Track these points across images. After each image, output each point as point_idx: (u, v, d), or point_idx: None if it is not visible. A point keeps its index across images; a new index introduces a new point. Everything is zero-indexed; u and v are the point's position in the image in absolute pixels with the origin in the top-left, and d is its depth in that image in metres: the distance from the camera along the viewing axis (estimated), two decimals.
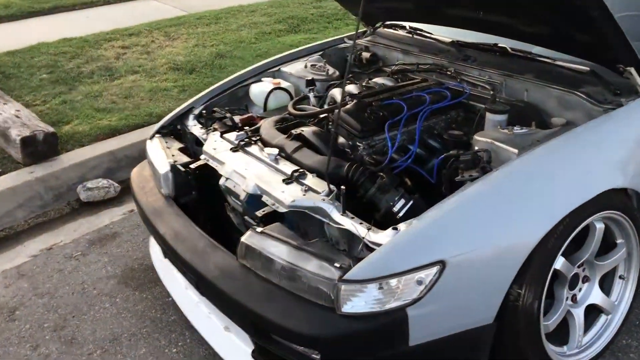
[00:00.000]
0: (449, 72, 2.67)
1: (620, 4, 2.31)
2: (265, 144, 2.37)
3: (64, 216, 3.49)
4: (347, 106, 2.37)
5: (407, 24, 3.12)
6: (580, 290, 2.10)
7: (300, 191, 2.03)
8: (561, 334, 2.08)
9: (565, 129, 2.08)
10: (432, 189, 2.13)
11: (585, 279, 2.10)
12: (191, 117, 2.79)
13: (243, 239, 1.95)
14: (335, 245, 1.94)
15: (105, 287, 2.80)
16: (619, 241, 2.11)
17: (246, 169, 2.23)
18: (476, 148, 2.06)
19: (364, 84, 2.74)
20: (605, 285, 2.18)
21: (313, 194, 2.00)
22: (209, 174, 2.38)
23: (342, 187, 1.92)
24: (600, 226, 1.99)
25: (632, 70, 2.11)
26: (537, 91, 2.36)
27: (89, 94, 4.72)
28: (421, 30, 3.03)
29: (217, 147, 2.42)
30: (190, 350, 2.38)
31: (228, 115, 2.70)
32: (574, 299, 2.08)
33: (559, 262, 1.91)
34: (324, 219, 1.94)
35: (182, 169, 2.44)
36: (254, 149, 2.36)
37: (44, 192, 3.53)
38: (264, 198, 2.09)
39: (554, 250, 1.86)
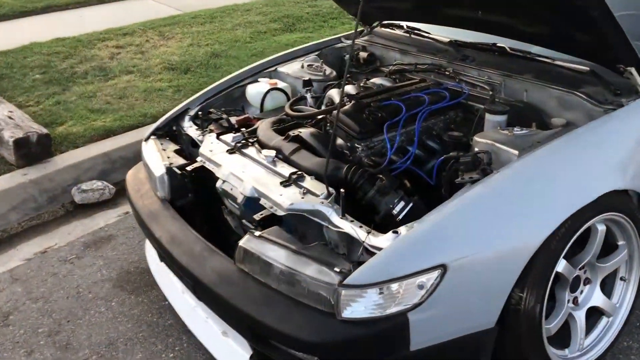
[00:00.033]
0: (447, 72, 2.65)
1: (619, 3, 2.29)
2: (263, 145, 2.35)
3: (58, 219, 3.46)
4: (345, 107, 2.35)
5: (404, 24, 3.10)
6: (581, 292, 2.09)
7: (298, 194, 2.00)
8: (562, 337, 2.06)
9: (565, 129, 2.06)
10: (432, 191, 2.11)
11: (587, 281, 2.08)
12: (187, 118, 2.76)
13: (241, 243, 1.92)
14: (335, 248, 1.91)
15: (100, 290, 2.77)
16: (620, 243, 2.09)
17: (243, 172, 2.20)
18: (476, 149, 2.04)
19: (361, 84, 2.71)
20: (606, 287, 2.16)
21: (312, 196, 1.97)
22: (205, 177, 2.35)
23: (342, 190, 1.89)
24: (602, 228, 1.97)
25: (633, 70, 2.09)
26: (537, 91, 2.34)
27: (83, 94, 4.68)
28: (419, 29, 3.00)
29: (213, 149, 2.39)
30: (187, 355, 2.35)
31: (224, 116, 2.66)
32: (575, 301, 2.06)
33: (561, 265, 1.89)
34: (322, 222, 1.91)
35: (178, 171, 2.41)
36: (250, 150, 2.34)
37: (38, 195, 3.49)
38: (262, 201, 2.06)
39: (556, 253, 1.84)
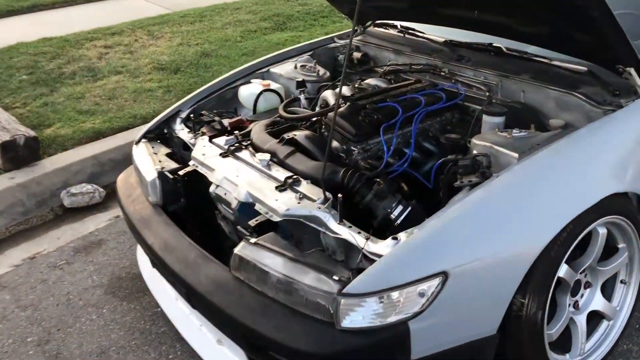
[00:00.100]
0: (442, 73, 2.62)
1: (617, 2, 2.27)
2: (257, 148, 2.30)
3: (47, 223, 3.39)
4: (341, 109, 2.30)
5: (398, 23, 3.06)
6: (582, 296, 2.06)
7: (294, 199, 1.96)
8: (563, 342, 2.03)
9: (565, 131, 2.04)
10: (429, 194, 2.08)
11: (587, 285, 2.06)
12: (178, 120, 2.70)
13: (236, 250, 1.88)
14: (332, 255, 1.87)
15: (91, 297, 2.71)
16: (620, 246, 2.07)
17: (237, 176, 2.15)
18: (474, 152, 2.00)
19: (356, 85, 2.67)
20: (607, 290, 2.14)
21: (308, 201, 1.93)
22: (198, 181, 2.30)
23: (339, 195, 1.85)
24: (603, 231, 1.94)
25: (632, 70, 2.06)
26: (534, 92, 2.31)
27: (71, 95, 4.60)
28: (413, 29, 2.97)
29: (206, 153, 2.35)
30: None
31: (217, 118, 2.62)
32: (576, 305, 2.04)
33: (563, 270, 1.86)
34: (320, 228, 1.87)
35: (170, 175, 2.35)
36: (244, 154, 2.29)
37: (26, 199, 3.42)
38: (257, 206, 2.02)
39: (558, 258, 1.81)
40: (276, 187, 2.03)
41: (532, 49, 2.45)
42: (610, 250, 2.07)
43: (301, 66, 3.01)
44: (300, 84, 2.81)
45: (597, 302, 2.09)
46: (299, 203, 1.93)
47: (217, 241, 2.26)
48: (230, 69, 3.48)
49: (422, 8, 2.71)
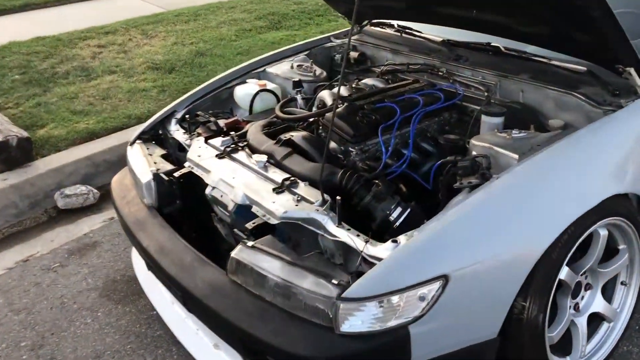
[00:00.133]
0: (440, 73, 2.59)
1: (616, 1, 2.25)
2: (253, 150, 2.27)
3: (41, 225, 3.36)
4: (338, 109, 2.28)
5: (395, 22, 3.03)
6: (582, 298, 2.04)
7: (292, 201, 1.93)
8: (564, 345, 2.01)
9: (565, 132, 2.02)
10: (428, 196, 2.05)
11: (588, 287, 2.04)
12: (173, 121, 2.67)
13: (233, 253, 1.85)
14: (331, 258, 1.85)
15: (86, 300, 2.67)
16: (620, 247, 2.05)
17: (234, 178, 2.12)
18: (474, 153, 1.98)
19: (353, 85, 2.64)
20: (607, 292, 2.12)
21: (306, 204, 1.90)
22: (193, 183, 2.27)
23: (338, 197, 1.82)
24: (604, 233, 1.93)
25: (632, 70, 2.05)
26: (533, 92, 2.29)
27: (65, 95, 4.55)
28: (410, 28, 2.94)
29: (201, 154, 2.31)
30: None
31: (212, 119, 2.58)
32: (576, 307, 2.02)
33: (564, 272, 1.85)
34: (318, 231, 1.84)
35: (166, 177, 2.32)
36: (241, 155, 2.26)
37: (19, 200, 3.38)
38: (254, 209, 1.99)
39: (559, 260, 1.79)
40: (273, 189, 2.00)
41: (530, 48, 2.43)
42: (610, 252, 2.06)
43: (297, 66, 2.98)
44: (297, 84, 2.79)
45: (598, 304, 2.07)
46: (296, 205, 1.90)
47: (213, 244, 2.23)
48: (225, 68, 3.45)
49: (420, 7, 2.69)
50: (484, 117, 2.20)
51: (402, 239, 1.69)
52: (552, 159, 1.86)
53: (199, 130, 2.51)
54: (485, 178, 1.84)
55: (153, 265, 2.13)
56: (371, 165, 2.12)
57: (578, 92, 2.15)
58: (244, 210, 2.02)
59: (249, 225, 1.97)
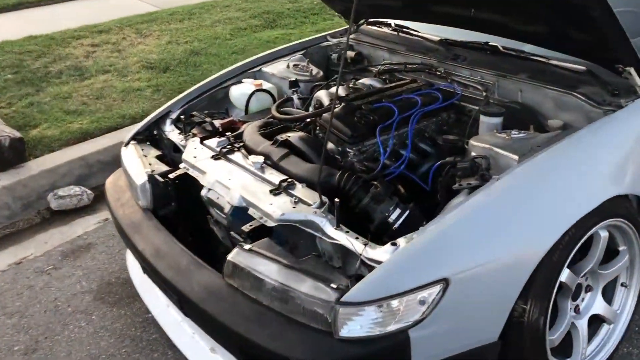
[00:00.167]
0: (438, 72, 2.57)
1: (616, 1, 2.23)
2: (250, 151, 2.24)
3: (34, 226, 3.32)
4: (335, 109, 2.25)
5: (392, 21, 3.01)
6: (583, 300, 2.03)
7: (289, 203, 1.90)
8: (564, 347, 2.00)
9: (565, 132, 1.99)
10: (427, 197, 2.03)
11: (588, 289, 2.02)
12: (168, 121, 2.64)
13: (230, 257, 1.82)
14: (329, 261, 1.82)
15: (80, 304, 2.64)
16: (621, 248, 2.04)
17: (230, 179, 2.09)
18: (473, 154, 1.96)
19: (350, 85, 2.62)
20: (607, 293, 2.11)
21: (304, 206, 1.88)
22: (189, 184, 2.24)
23: (336, 199, 1.79)
24: (605, 235, 1.91)
25: (632, 70, 2.03)
26: (532, 92, 2.26)
27: (58, 95, 4.51)
28: (407, 27, 2.91)
29: (197, 155, 2.29)
30: None
31: (208, 119, 2.55)
32: (577, 309, 2.00)
33: (565, 274, 1.83)
34: (316, 233, 1.82)
35: (161, 179, 2.29)
36: (237, 156, 2.23)
37: (12, 202, 3.34)
38: (251, 211, 1.96)
39: (560, 262, 1.77)
40: (270, 191, 1.97)
41: (528, 47, 2.41)
42: (610, 253, 2.04)
43: (294, 65, 2.95)
44: (293, 84, 2.76)
45: (598, 306, 2.05)
46: (294, 207, 1.88)
47: (209, 247, 2.20)
48: (220, 67, 3.42)
49: (417, 6, 2.67)
50: (482, 117, 2.18)
51: (401, 241, 1.66)
52: (552, 159, 1.84)
53: (195, 130, 2.48)
54: (484, 179, 1.82)
55: (149, 269, 2.09)
56: (369, 166, 2.09)
57: (577, 92, 2.13)
58: (241, 213, 1.99)
59: (246, 227, 1.94)
